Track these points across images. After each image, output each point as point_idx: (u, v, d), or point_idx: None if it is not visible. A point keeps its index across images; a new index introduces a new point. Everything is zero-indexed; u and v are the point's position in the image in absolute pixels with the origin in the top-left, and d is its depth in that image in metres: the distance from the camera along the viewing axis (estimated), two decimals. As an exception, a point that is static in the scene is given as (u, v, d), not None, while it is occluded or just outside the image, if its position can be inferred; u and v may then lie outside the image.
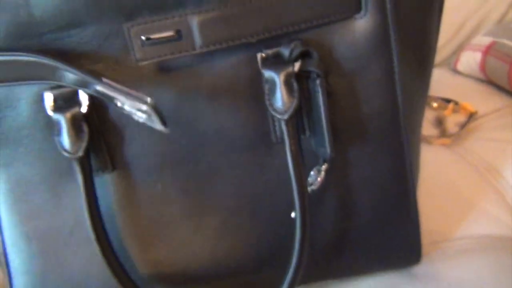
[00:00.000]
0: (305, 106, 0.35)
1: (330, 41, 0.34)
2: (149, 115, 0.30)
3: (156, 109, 0.30)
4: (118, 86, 0.31)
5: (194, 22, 0.32)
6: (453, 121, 0.75)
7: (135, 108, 0.30)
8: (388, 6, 0.33)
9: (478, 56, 0.82)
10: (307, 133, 0.36)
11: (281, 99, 0.33)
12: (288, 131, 0.34)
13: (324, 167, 0.36)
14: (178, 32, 0.32)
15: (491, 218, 0.54)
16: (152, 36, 0.32)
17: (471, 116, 0.74)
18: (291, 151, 0.34)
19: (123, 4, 0.32)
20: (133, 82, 0.34)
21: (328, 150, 0.34)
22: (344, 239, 0.41)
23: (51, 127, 0.35)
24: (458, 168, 0.64)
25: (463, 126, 0.72)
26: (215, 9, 0.32)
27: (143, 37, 0.32)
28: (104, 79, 0.31)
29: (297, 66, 0.33)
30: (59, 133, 0.34)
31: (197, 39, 0.32)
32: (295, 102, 0.33)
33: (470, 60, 0.85)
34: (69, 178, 0.37)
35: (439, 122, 0.76)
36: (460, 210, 0.56)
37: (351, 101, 0.36)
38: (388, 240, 0.42)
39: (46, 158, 0.36)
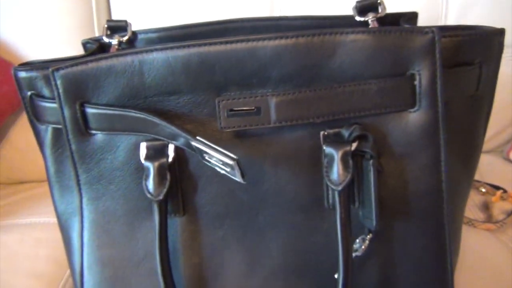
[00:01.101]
0: (357, 181, 0.40)
1: (385, 128, 0.39)
2: (232, 169, 0.37)
3: (240, 164, 0.36)
4: (210, 143, 0.38)
5: (273, 101, 0.38)
6: (500, 208, 0.77)
7: (221, 162, 0.37)
8: (440, 105, 0.38)
9: (531, 147, 0.84)
10: (357, 204, 0.41)
11: (337, 173, 0.38)
12: (340, 201, 0.38)
13: (369, 237, 0.40)
14: (258, 108, 0.38)
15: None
16: (236, 109, 0.38)
17: (519, 205, 0.75)
18: (341, 218, 0.39)
19: (216, 81, 0.39)
20: (213, 143, 0.41)
21: (374, 222, 0.39)
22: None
23: (139, 172, 0.42)
24: (500, 255, 0.65)
25: (509, 214, 0.74)
26: (291, 93, 0.38)
27: (228, 110, 0.38)
28: (198, 137, 0.37)
29: (354, 146, 0.39)
30: (147, 178, 0.41)
31: (273, 115, 0.38)
32: (349, 177, 0.38)
33: (523, 150, 0.87)
34: (146, 216, 0.43)
35: (486, 208, 0.78)
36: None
37: (399, 181, 0.41)
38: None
39: (130, 196, 0.43)
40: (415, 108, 0.39)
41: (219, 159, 0.37)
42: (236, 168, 0.36)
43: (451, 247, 0.43)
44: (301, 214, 0.42)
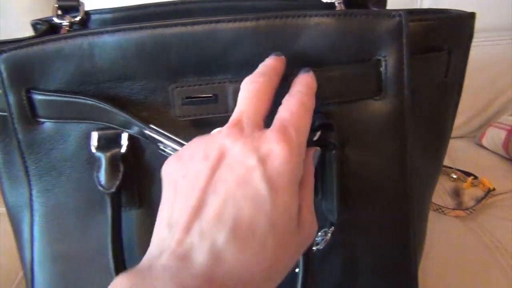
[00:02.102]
0: (319, 172, 0.38)
1: (350, 116, 0.38)
2: None
3: None
4: (163, 131, 0.36)
5: (230, 88, 0.36)
6: (470, 194, 0.77)
7: (175, 151, 0.35)
8: (406, 93, 0.37)
9: (502, 134, 0.84)
10: (319, 195, 0.39)
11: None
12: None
13: (331, 230, 0.39)
14: (215, 95, 0.36)
15: (495, 300, 0.55)
16: (193, 96, 0.36)
17: (489, 192, 0.75)
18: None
19: (172, 66, 0.36)
20: (170, 132, 0.38)
21: (335, 215, 0.37)
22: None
23: (92, 162, 0.39)
24: (468, 243, 0.65)
25: (479, 201, 0.74)
26: None
27: (183, 97, 0.36)
28: (151, 125, 0.35)
29: (317, 135, 0.37)
30: (98, 169, 0.38)
31: (231, 103, 0.36)
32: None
33: (494, 136, 0.87)
34: (99, 209, 0.40)
35: (456, 194, 0.77)
36: (463, 287, 0.57)
37: (363, 171, 0.39)
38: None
39: (82, 188, 0.40)
40: (381, 96, 0.37)
41: (173, 148, 0.35)
42: None
43: (415, 238, 0.42)
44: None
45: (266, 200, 0.27)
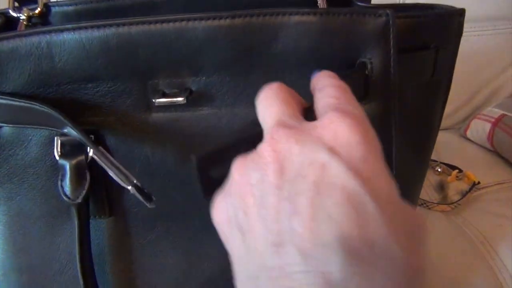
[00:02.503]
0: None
1: (332, 121, 0.35)
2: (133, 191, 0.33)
3: (140, 191, 0.32)
4: (111, 159, 0.33)
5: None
6: (455, 188, 0.76)
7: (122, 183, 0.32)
8: (392, 95, 0.35)
9: (487, 126, 0.83)
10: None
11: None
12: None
13: None
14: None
15: (480, 298, 0.54)
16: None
17: (473, 185, 0.74)
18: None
19: (140, 67, 0.33)
20: (139, 136, 0.36)
21: None
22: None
23: (56, 169, 0.37)
24: (453, 238, 0.64)
25: (464, 195, 0.73)
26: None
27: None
28: (101, 148, 0.33)
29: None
30: (63, 178, 0.35)
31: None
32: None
33: (479, 129, 0.86)
34: (66, 218, 0.38)
35: (441, 188, 0.76)
36: (450, 282, 0.56)
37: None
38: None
39: (47, 197, 0.38)
40: (366, 101, 0.35)
41: (119, 179, 0.33)
42: (137, 194, 0.32)
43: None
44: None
45: (363, 195, 0.20)
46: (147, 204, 0.32)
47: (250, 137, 0.25)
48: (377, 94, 0.35)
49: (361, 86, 0.34)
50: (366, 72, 0.34)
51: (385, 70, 0.34)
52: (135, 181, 0.32)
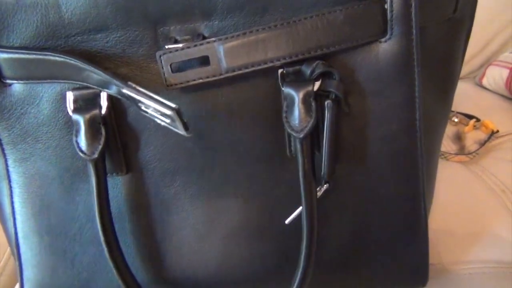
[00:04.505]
0: (322, 124, 0.35)
1: (353, 62, 0.34)
2: (172, 120, 0.31)
3: (180, 115, 0.31)
4: (144, 90, 0.31)
5: (221, 48, 0.32)
6: (473, 138, 0.74)
7: (159, 112, 0.31)
8: (414, 31, 0.33)
9: (504, 72, 0.81)
10: (322, 150, 0.36)
11: (298, 118, 0.33)
12: (302, 149, 0.33)
13: (323, 188, 0.36)
14: (205, 58, 0.32)
15: (503, 244, 0.53)
16: (181, 61, 0.32)
17: (492, 134, 0.72)
18: (304, 169, 0.34)
19: (150, 13, 0.32)
20: (153, 90, 0.34)
21: (324, 172, 0.34)
22: (351, 257, 0.41)
23: (70, 126, 0.36)
24: (473, 188, 0.63)
25: (482, 144, 0.71)
26: (241, 34, 0.32)
27: (171, 64, 0.32)
28: (130, 83, 0.31)
29: (317, 85, 0.33)
30: (77, 133, 0.34)
31: (224, 64, 0.32)
32: (311, 121, 0.33)
33: (496, 76, 0.83)
34: (83, 177, 0.37)
35: (459, 138, 0.75)
36: (472, 232, 0.55)
37: (368, 122, 0.36)
38: (395, 261, 0.42)
39: (62, 155, 0.37)
40: (386, 37, 0.33)
41: (156, 109, 0.31)
42: (177, 119, 0.30)
43: (425, 190, 0.39)
44: (261, 165, 0.37)
45: None
46: (185, 133, 0.31)
47: None
48: (398, 30, 0.33)
49: (380, 22, 0.33)
50: (385, 6, 0.32)
51: (405, 3, 0.32)
52: (175, 106, 0.30)
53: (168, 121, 0.31)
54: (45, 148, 0.37)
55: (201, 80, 0.33)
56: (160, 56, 0.33)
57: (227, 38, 0.32)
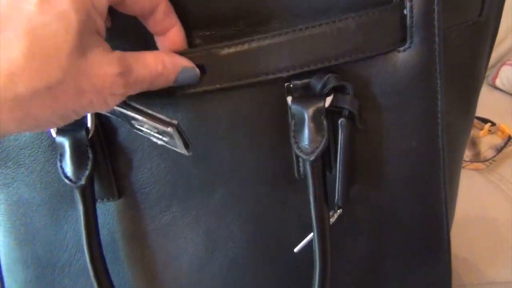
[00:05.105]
0: (333, 143, 0.31)
1: (369, 74, 0.30)
2: (171, 138, 0.28)
3: (181, 131, 0.28)
4: (138, 106, 0.28)
5: (219, 55, 0.28)
6: (488, 143, 0.70)
7: (155, 130, 0.28)
8: (437, 39, 0.29)
9: (519, 73, 0.77)
10: (333, 170, 0.33)
11: (308, 138, 0.29)
12: (313, 173, 0.30)
13: (336, 213, 0.32)
14: (201, 66, 0.28)
15: (526, 261, 0.50)
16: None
17: (509, 139, 0.69)
18: (315, 195, 0.30)
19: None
20: (146, 104, 0.31)
21: (337, 197, 0.31)
22: (368, 282, 0.37)
23: (55, 149, 0.32)
24: (491, 198, 0.60)
25: (499, 150, 0.67)
26: (242, 42, 0.28)
27: None
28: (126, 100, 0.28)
29: (328, 101, 0.30)
30: (61, 158, 0.31)
31: (219, 74, 0.29)
32: (323, 142, 0.29)
33: (509, 76, 0.80)
34: (71, 203, 0.34)
35: (473, 144, 0.71)
36: (492, 248, 0.52)
37: (385, 139, 0.32)
38: (414, 287, 0.38)
39: (48, 180, 0.34)
40: (406, 46, 0.30)
41: (152, 126, 0.28)
42: (177, 136, 0.27)
43: (448, 210, 0.36)
44: (266, 187, 0.34)
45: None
46: (185, 152, 0.29)
47: None
48: (418, 38, 0.29)
49: (398, 29, 0.29)
50: (404, 11, 0.29)
51: (427, 8, 0.29)
52: (175, 122, 0.28)
53: (166, 139, 0.28)
54: (28, 173, 0.33)
55: (196, 90, 0.29)
56: None
57: (225, 45, 0.29)
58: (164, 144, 0.29)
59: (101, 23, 0.24)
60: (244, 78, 0.29)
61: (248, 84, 0.29)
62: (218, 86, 0.29)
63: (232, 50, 0.28)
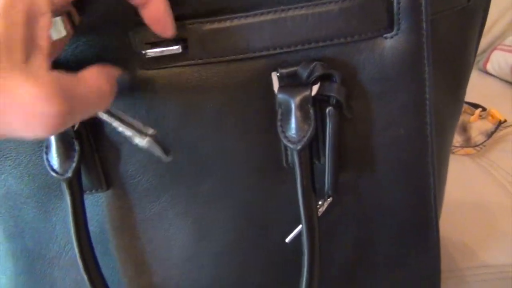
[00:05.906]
0: (321, 131, 0.31)
1: (355, 61, 0.30)
2: (150, 144, 0.28)
3: (158, 141, 0.28)
4: (120, 114, 0.28)
5: (200, 31, 0.28)
6: (478, 128, 0.71)
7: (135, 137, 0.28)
8: (424, 25, 0.29)
9: (510, 58, 0.77)
10: (322, 159, 0.33)
11: (294, 127, 0.29)
12: (300, 162, 0.30)
13: (326, 202, 0.32)
14: (183, 40, 0.28)
15: (516, 245, 0.50)
16: (156, 40, 0.28)
17: (500, 124, 0.69)
18: (302, 183, 0.30)
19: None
20: (132, 96, 0.31)
21: (327, 186, 0.31)
22: (357, 271, 0.38)
23: (42, 141, 0.32)
24: (482, 183, 0.60)
25: (490, 135, 0.68)
26: (222, 20, 0.28)
27: (149, 46, 0.28)
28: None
29: (315, 89, 0.29)
30: (47, 150, 0.31)
31: (202, 48, 0.29)
32: (309, 131, 0.29)
33: (501, 61, 0.79)
34: (59, 195, 0.34)
35: (464, 129, 0.71)
36: (483, 233, 0.52)
37: (373, 127, 0.32)
38: (405, 273, 0.38)
39: (36, 172, 0.33)
40: (393, 33, 0.29)
41: (132, 134, 0.28)
42: (154, 146, 0.28)
43: (436, 196, 0.36)
44: (255, 176, 0.33)
45: None
46: (165, 158, 0.29)
47: None
48: (406, 24, 0.29)
49: (385, 14, 0.29)
50: (391, -3, 0.29)
51: (414, -7, 0.28)
52: (151, 132, 0.28)
53: (146, 146, 0.28)
54: (15, 165, 0.33)
55: (176, 64, 0.29)
56: (133, 34, 0.29)
57: (208, 21, 0.29)
58: (145, 148, 0.29)
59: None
60: (225, 55, 0.29)
61: (231, 60, 0.29)
62: (199, 61, 0.29)
63: (215, 26, 0.28)
